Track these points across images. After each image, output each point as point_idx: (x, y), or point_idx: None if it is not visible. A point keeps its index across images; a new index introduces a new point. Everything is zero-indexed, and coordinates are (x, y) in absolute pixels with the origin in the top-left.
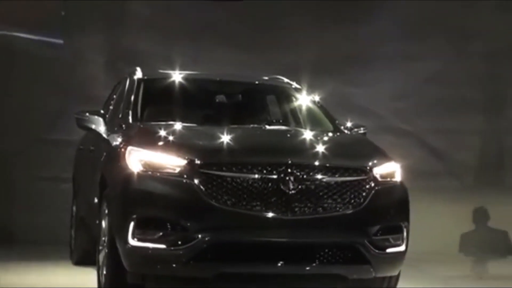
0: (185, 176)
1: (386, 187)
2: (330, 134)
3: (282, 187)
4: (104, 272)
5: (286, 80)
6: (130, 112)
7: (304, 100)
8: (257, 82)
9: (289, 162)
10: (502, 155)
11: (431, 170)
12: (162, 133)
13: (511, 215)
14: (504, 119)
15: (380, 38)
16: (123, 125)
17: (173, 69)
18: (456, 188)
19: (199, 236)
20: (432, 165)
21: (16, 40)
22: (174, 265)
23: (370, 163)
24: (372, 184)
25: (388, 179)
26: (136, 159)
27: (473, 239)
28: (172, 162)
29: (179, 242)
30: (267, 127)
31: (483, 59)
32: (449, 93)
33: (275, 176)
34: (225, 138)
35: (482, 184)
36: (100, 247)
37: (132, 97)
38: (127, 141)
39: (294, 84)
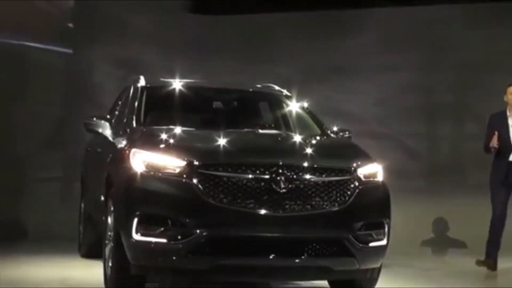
0: (184, 176)
1: (369, 186)
2: (318, 137)
3: (273, 186)
4: (110, 264)
5: (277, 88)
6: (134, 117)
7: (294, 106)
8: (251, 90)
9: (280, 163)
10: (469, 158)
11: (407, 170)
12: (163, 136)
13: (473, 211)
14: (472, 125)
15: (363, 51)
16: (128, 129)
17: (174, 77)
18: (427, 186)
19: (197, 231)
20: (407, 166)
21: (29, 50)
22: (174, 258)
23: (354, 164)
24: (356, 184)
25: (371, 179)
26: (139, 160)
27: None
28: (173, 163)
29: (179, 237)
30: (260, 131)
31: (454, 71)
32: (424, 100)
33: (267, 176)
34: (222, 141)
35: (451, 183)
36: (106, 241)
37: (136, 103)
38: (131, 144)
39: (285, 92)
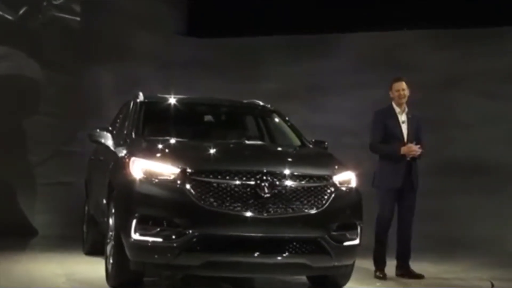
0: (178, 182)
1: (344, 192)
2: (298, 148)
3: (258, 191)
4: (111, 261)
5: (262, 103)
6: (134, 129)
7: (277, 119)
8: (238, 105)
9: (264, 170)
10: (436, 166)
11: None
12: (160, 146)
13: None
14: (433, 136)
15: (338, 71)
16: (128, 140)
17: (169, 93)
18: None
19: (189, 231)
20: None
21: (42, 69)
22: (169, 255)
23: (330, 172)
24: (332, 189)
25: (345, 185)
26: (138, 167)
27: None
28: (168, 170)
29: (173, 237)
30: (246, 141)
31: (420, 88)
32: None
33: (252, 182)
34: (212, 151)
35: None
36: (108, 240)
37: (135, 117)
38: (131, 153)
39: (269, 107)
